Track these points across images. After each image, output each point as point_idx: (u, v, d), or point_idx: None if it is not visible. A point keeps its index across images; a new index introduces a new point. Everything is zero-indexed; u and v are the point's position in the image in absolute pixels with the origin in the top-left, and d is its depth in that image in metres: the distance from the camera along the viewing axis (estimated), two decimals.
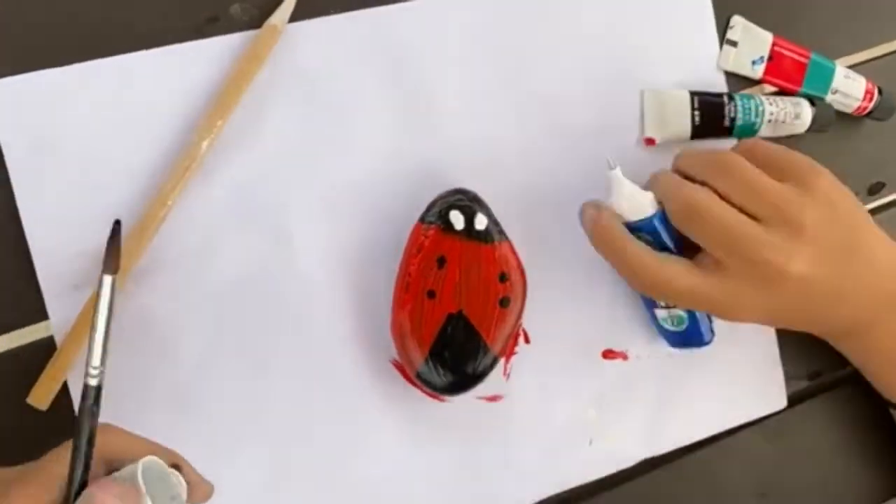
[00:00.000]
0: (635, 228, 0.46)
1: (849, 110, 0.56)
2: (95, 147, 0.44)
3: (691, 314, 0.50)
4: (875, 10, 0.58)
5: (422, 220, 0.46)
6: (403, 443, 0.48)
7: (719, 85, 0.53)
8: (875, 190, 0.58)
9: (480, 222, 0.46)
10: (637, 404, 0.52)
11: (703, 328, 0.50)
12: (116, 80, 0.44)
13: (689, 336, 0.50)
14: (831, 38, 0.56)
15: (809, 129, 0.54)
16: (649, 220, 0.46)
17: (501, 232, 0.47)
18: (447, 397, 0.47)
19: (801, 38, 0.55)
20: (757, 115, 0.52)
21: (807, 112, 0.53)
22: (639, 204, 0.46)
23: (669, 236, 0.47)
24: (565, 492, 0.51)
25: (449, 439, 0.49)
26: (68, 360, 0.42)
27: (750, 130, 0.52)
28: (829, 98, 0.55)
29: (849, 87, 0.55)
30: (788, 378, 0.55)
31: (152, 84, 0.44)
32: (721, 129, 0.52)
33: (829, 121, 0.54)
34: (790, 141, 0.53)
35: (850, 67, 0.56)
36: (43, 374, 0.42)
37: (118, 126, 0.44)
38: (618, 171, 0.46)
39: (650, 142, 0.52)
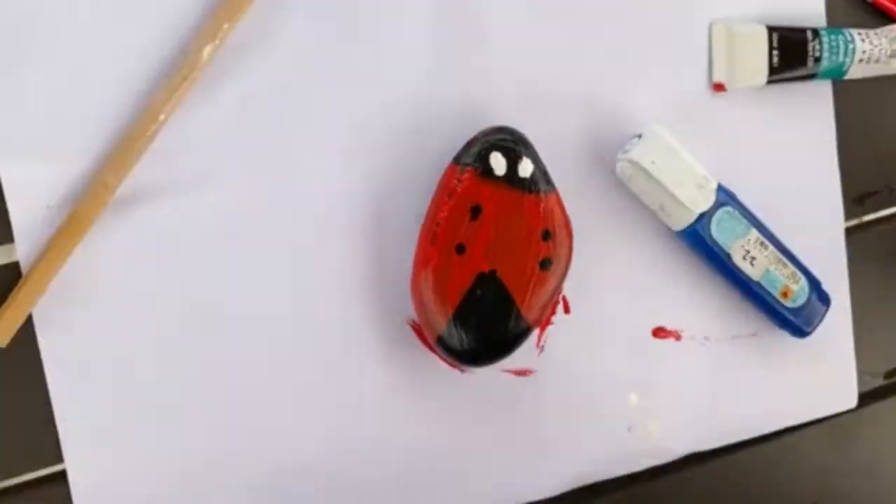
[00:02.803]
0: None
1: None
2: (80, 48, 0.38)
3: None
4: None
5: (456, 160, 0.42)
6: (416, 415, 0.44)
7: (817, 17, 0.48)
8: None
9: (525, 168, 0.42)
10: (686, 392, 0.48)
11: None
12: None
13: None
14: None
15: None
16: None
17: (549, 181, 0.42)
18: (470, 368, 0.44)
19: None
20: (846, 54, 0.47)
21: None
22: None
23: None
24: (595, 483, 0.47)
25: (468, 415, 0.45)
26: (35, 290, 0.38)
27: (838, 72, 0.47)
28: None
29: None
30: (861, 374, 0.51)
31: None
32: (803, 71, 0.47)
33: None
34: (883, 82, 0.48)
35: None
36: (3, 305, 0.38)
37: (107, 25, 0.39)
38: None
39: (719, 87, 0.46)
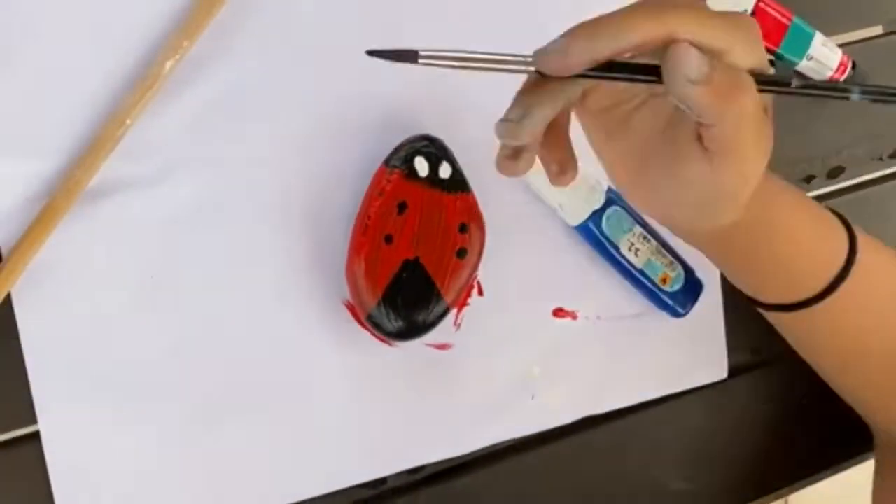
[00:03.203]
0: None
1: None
2: (53, 56, 0.42)
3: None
4: None
5: (386, 163, 0.46)
6: (350, 383, 0.48)
7: None
8: (834, 174, 0.59)
9: (445, 171, 0.46)
10: (581, 364, 0.53)
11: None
12: None
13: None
14: (814, 13, 0.56)
15: None
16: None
17: (465, 182, 0.47)
18: (396, 342, 0.47)
19: (786, 4, 0.55)
20: None
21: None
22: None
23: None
24: (504, 442, 0.52)
25: (395, 383, 0.49)
26: (14, 272, 0.41)
27: None
28: (804, 64, 0.55)
29: (824, 56, 0.55)
30: (731, 350, 0.56)
31: None
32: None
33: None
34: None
35: None
36: None
37: (80, 37, 0.42)
38: None
39: None
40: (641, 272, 0.52)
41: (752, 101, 0.33)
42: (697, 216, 0.39)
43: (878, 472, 0.54)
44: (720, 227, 0.40)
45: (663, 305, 0.53)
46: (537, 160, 0.39)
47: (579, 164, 0.48)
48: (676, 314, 0.53)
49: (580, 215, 0.50)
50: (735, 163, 0.35)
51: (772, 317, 0.50)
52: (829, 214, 0.47)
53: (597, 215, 0.50)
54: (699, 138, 0.35)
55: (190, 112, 0.44)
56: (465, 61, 0.32)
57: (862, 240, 0.47)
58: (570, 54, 0.32)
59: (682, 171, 0.36)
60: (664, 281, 0.52)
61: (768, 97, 0.35)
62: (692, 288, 0.53)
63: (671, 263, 0.52)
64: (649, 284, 0.52)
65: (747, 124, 0.33)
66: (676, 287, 0.52)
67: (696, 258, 0.52)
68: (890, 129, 0.60)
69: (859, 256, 0.46)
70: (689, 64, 0.31)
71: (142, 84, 0.42)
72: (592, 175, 0.49)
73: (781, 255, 0.46)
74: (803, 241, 0.46)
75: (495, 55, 0.32)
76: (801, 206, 0.46)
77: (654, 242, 0.52)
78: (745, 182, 0.36)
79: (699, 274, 0.53)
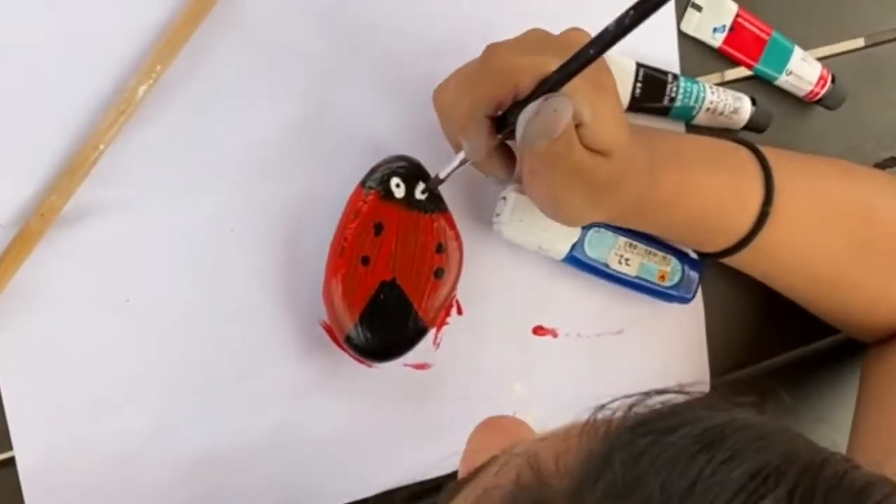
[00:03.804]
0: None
1: (800, 94, 0.56)
2: (26, 82, 0.42)
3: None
4: (841, 5, 0.58)
5: (362, 184, 0.46)
6: (328, 405, 0.48)
7: (672, 63, 0.53)
8: None
9: (421, 192, 0.46)
10: (562, 381, 0.52)
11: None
12: (56, 14, 0.42)
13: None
14: (795, 26, 0.56)
15: (744, 128, 0.54)
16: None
17: (441, 202, 0.47)
18: (374, 363, 0.47)
19: (765, 17, 0.55)
20: (696, 101, 0.52)
21: (746, 109, 0.53)
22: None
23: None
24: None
25: (374, 404, 0.49)
26: None
27: (687, 114, 0.53)
28: (783, 79, 0.55)
29: (804, 71, 0.55)
30: (713, 365, 0.56)
31: (94, 21, 0.43)
32: (658, 107, 0.52)
33: (765, 124, 0.54)
34: (725, 134, 0.53)
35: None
36: None
37: (54, 62, 0.42)
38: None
39: None
40: (638, 278, 0.52)
41: (551, 160, 0.39)
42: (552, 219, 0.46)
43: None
44: (615, 213, 0.45)
45: (670, 298, 0.53)
46: (503, 217, 0.48)
47: None
48: (685, 301, 0.53)
49: (561, 251, 0.50)
50: (546, 194, 0.42)
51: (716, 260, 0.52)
52: (741, 153, 0.49)
53: (578, 244, 0.50)
54: None
55: (164, 136, 0.44)
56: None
57: (776, 167, 0.48)
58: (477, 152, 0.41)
59: (526, 182, 0.43)
60: (662, 278, 0.52)
61: (602, 142, 0.40)
62: (692, 272, 0.52)
63: (664, 258, 0.52)
64: (650, 286, 0.52)
65: (548, 173, 0.40)
66: (676, 278, 0.52)
67: None
68: (870, 141, 0.60)
69: (777, 188, 0.48)
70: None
71: (115, 109, 0.43)
72: None
73: (694, 214, 0.48)
74: (708, 202, 0.47)
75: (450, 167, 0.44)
76: (702, 166, 0.48)
77: (641, 246, 0.51)
78: (564, 207, 0.43)
79: (693, 254, 0.53)
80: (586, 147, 0.40)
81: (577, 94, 0.38)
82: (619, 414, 0.24)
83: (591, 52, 0.36)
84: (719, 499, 0.21)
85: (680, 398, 0.25)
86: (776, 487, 0.21)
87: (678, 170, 0.47)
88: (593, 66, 0.36)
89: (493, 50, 0.39)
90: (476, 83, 0.39)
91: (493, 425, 0.33)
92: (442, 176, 0.44)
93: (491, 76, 0.38)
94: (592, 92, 0.39)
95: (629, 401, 0.25)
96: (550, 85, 0.38)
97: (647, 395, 0.25)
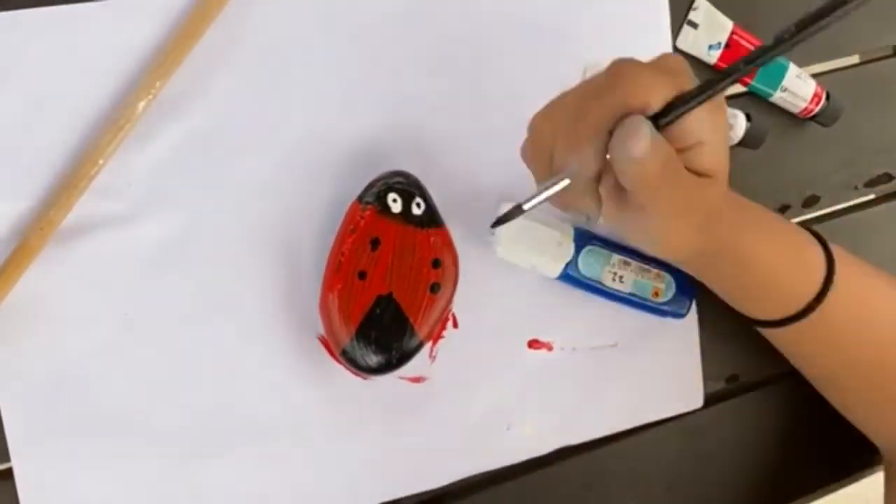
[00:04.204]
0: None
1: (795, 111, 0.57)
2: (26, 98, 0.42)
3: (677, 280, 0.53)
4: (836, 23, 0.58)
5: (359, 199, 0.46)
6: (325, 418, 0.48)
7: None
8: (809, 203, 0.60)
9: (418, 207, 0.47)
10: (557, 394, 0.53)
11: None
12: (57, 31, 0.43)
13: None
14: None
15: (739, 144, 0.54)
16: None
17: (438, 218, 0.47)
18: (371, 376, 0.47)
19: (760, 34, 0.55)
20: None
21: (741, 125, 0.54)
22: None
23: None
24: (481, 474, 0.52)
25: (370, 417, 0.49)
26: None
27: None
28: (777, 95, 0.56)
29: (798, 88, 0.56)
30: (706, 379, 0.56)
31: (94, 37, 0.43)
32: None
33: (760, 141, 0.55)
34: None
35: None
36: None
37: (55, 78, 0.43)
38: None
39: None
40: (632, 295, 0.52)
41: (672, 178, 0.37)
42: (648, 249, 0.45)
43: (888, 484, 0.55)
44: (690, 258, 0.44)
45: (664, 314, 0.53)
46: (499, 241, 0.48)
47: (540, 226, 0.49)
48: (679, 316, 0.53)
49: (555, 270, 0.51)
50: (652, 222, 0.40)
51: (762, 331, 0.52)
52: (806, 235, 0.50)
53: (572, 263, 0.51)
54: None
55: (163, 152, 0.44)
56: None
57: (838, 256, 0.49)
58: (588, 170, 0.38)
59: (623, 216, 0.40)
60: (657, 294, 0.52)
61: (714, 163, 0.39)
62: (685, 287, 0.53)
63: (658, 275, 0.52)
64: (644, 303, 0.52)
65: (664, 194, 0.38)
66: (670, 294, 0.53)
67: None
68: (865, 157, 0.60)
69: (836, 274, 0.48)
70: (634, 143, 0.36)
71: (115, 124, 0.43)
72: (555, 235, 0.50)
73: (758, 279, 0.48)
74: (779, 265, 0.47)
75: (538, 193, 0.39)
76: (774, 232, 0.48)
77: (634, 263, 0.52)
78: (666, 235, 0.41)
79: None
80: (690, 170, 0.38)
81: (702, 110, 0.37)
82: None
83: (741, 66, 0.35)
84: None
85: None
86: None
87: (755, 228, 0.47)
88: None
89: (623, 64, 0.37)
90: (603, 95, 0.37)
91: None
92: (527, 207, 0.39)
93: (622, 89, 0.36)
94: (712, 110, 0.38)
95: None
96: (686, 101, 0.36)
97: None
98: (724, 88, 0.36)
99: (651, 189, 0.37)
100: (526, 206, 0.39)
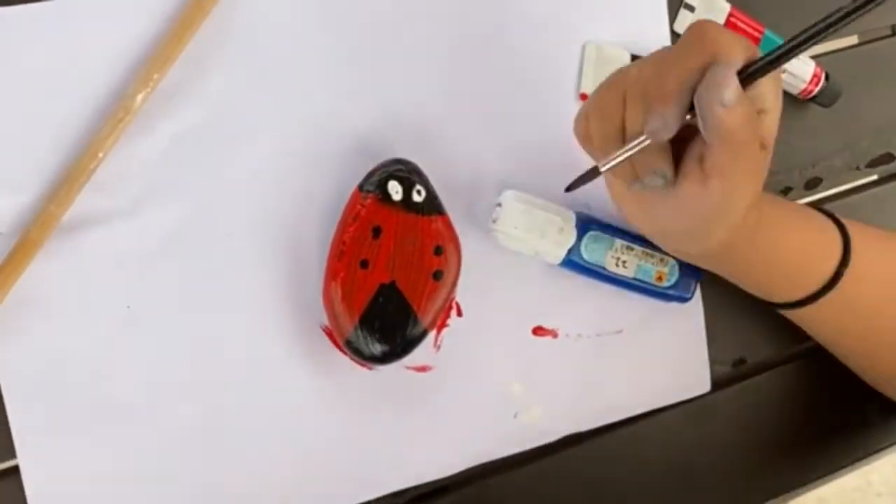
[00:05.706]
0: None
1: (794, 92, 0.57)
2: (24, 91, 0.42)
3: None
4: (834, 3, 0.58)
5: (360, 187, 0.46)
6: (330, 408, 0.48)
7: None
8: (811, 185, 0.59)
9: (419, 194, 0.46)
10: (563, 381, 0.53)
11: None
12: (53, 25, 0.43)
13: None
14: (787, 25, 0.56)
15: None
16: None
17: (439, 205, 0.47)
18: (375, 366, 0.48)
19: (758, 17, 0.55)
20: None
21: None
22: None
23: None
24: (488, 462, 0.52)
25: (376, 407, 0.49)
26: None
27: None
28: None
29: (797, 69, 0.56)
30: (713, 363, 0.56)
31: (91, 30, 0.43)
32: None
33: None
34: None
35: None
36: None
37: (53, 71, 0.43)
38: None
39: (585, 97, 0.52)
40: (636, 279, 0.52)
41: (753, 135, 0.38)
42: (688, 237, 0.44)
43: None
44: (710, 249, 0.44)
45: (668, 298, 0.53)
46: (499, 224, 0.48)
47: (541, 212, 0.49)
48: (684, 300, 0.53)
49: (558, 256, 0.50)
50: (725, 187, 0.40)
51: (783, 312, 0.52)
52: (818, 215, 0.50)
53: (574, 248, 0.50)
54: (701, 160, 0.40)
55: (162, 143, 0.45)
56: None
57: (854, 232, 0.49)
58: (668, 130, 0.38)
59: (678, 190, 0.40)
60: (660, 278, 0.52)
61: (771, 134, 0.39)
62: (689, 270, 0.53)
63: (661, 259, 0.52)
64: (648, 287, 0.52)
65: (745, 154, 0.38)
66: (674, 278, 0.52)
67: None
68: (866, 138, 0.60)
69: (853, 249, 0.48)
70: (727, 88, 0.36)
71: (114, 117, 0.43)
72: (556, 221, 0.50)
73: (779, 267, 0.48)
74: (795, 248, 0.48)
75: (618, 155, 0.40)
76: (789, 216, 0.48)
77: (638, 248, 0.52)
78: (732, 206, 0.41)
79: None
80: None
81: (769, 78, 0.38)
82: None
83: (818, 31, 0.36)
84: None
85: None
86: None
87: (776, 213, 0.47)
88: None
89: (706, 23, 0.38)
90: (688, 52, 0.37)
91: None
92: (603, 169, 0.40)
93: (710, 43, 0.37)
94: (776, 80, 0.38)
95: None
96: (759, 65, 0.37)
97: None
98: (797, 54, 0.36)
99: (734, 144, 0.37)
100: (603, 168, 0.40)
